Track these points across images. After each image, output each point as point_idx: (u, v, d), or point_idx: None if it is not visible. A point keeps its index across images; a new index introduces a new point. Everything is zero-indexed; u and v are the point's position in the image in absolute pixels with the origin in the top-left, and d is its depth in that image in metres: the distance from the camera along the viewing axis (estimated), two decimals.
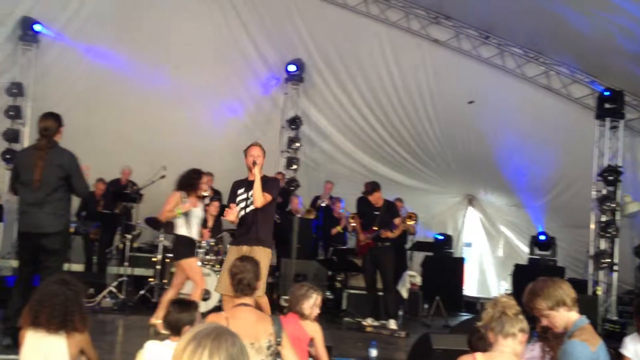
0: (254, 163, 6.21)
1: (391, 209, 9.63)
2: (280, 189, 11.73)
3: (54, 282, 3.99)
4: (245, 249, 6.13)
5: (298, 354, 4.49)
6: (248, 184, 6.30)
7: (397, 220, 9.41)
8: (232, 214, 6.20)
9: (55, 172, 5.88)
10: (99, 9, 11.85)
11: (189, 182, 7.45)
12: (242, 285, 4.00)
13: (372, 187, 9.64)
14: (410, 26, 12.78)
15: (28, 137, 11.38)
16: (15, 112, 11.45)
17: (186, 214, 7.29)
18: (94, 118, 11.68)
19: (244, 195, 6.34)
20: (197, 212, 7.50)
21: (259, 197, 6.15)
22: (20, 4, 11.45)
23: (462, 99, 12.45)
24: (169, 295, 7.18)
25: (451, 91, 12.73)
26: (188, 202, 7.28)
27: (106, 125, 11.83)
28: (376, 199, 9.53)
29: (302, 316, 4.69)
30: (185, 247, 7.36)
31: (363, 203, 10.59)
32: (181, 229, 7.33)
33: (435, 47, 12.75)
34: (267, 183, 6.30)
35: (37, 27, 11.52)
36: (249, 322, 3.85)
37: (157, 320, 6.83)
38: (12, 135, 11.43)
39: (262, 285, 5.90)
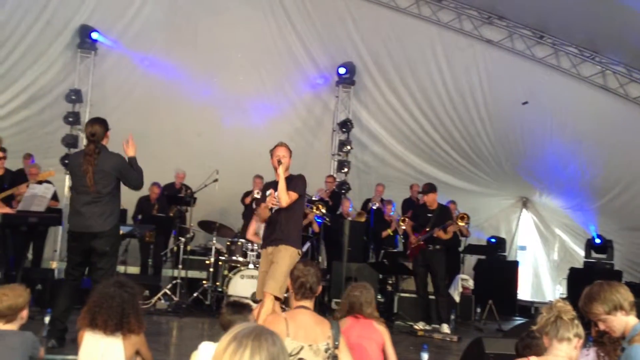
0: (279, 162, 6.14)
1: (444, 212, 9.54)
2: (331, 192, 11.83)
3: (111, 285, 4.06)
4: (270, 250, 6.11)
5: (371, 355, 4.49)
6: (276, 185, 6.22)
7: (449, 223, 9.32)
8: (266, 208, 6.22)
9: (105, 176, 6.05)
10: (154, 17, 12.10)
11: None
12: (303, 289, 4.00)
13: (429, 188, 9.60)
14: (462, 27, 12.67)
15: (86, 142, 11.66)
16: (74, 118, 11.69)
17: None
18: (149, 123, 11.92)
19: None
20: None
21: (283, 197, 6.05)
22: (78, 12, 11.73)
23: (516, 99, 12.29)
24: None
25: (504, 92, 12.57)
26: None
27: (161, 130, 12.05)
28: (431, 200, 9.46)
29: (366, 315, 4.66)
30: None
31: (415, 205, 10.54)
32: None
33: (488, 48, 12.62)
34: (292, 181, 6.21)
35: (94, 36, 11.79)
36: (308, 325, 3.86)
37: None
38: (71, 141, 11.71)
39: (282, 286, 5.87)
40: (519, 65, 12.50)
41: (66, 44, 11.90)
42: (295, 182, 6.22)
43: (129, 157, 6.27)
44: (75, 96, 11.77)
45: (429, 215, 9.38)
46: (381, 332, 4.71)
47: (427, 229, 9.28)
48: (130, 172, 6.22)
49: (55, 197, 8.52)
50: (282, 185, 6.07)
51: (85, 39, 11.78)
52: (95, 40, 11.88)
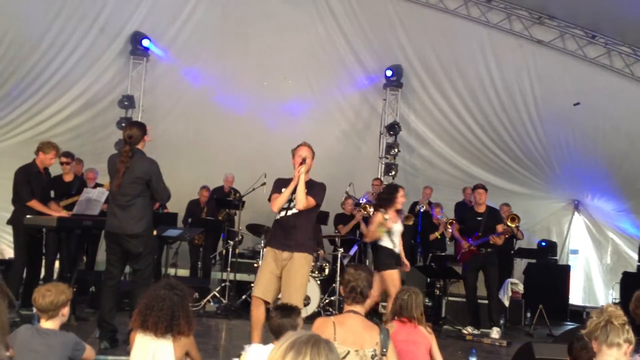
0: (303, 161, 5.85)
1: (494, 215, 9.43)
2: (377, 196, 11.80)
3: (161, 287, 4.14)
4: (286, 255, 5.87)
5: (417, 358, 4.49)
6: (289, 184, 5.93)
7: (499, 227, 9.20)
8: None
9: (135, 180, 6.14)
10: (205, 23, 12.26)
11: (387, 197, 7.77)
12: (354, 293, 4.00)
13: (481, 185, 9.56)
14: (512, 27, 12.52)
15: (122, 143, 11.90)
16: (126, 124, 11.88)
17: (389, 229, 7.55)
18: (199, 128, 12.10)
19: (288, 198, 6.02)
20: (398, 226, 7.75)
21: (301, 199, 5.78)
22: (131, 19, 11.97)
23: (568, 100, 12.09)
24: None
25: (556, 93, 12.40)
26: (389, 220, 7.53)
27: (211, 134, 12.21)
28: (484, 198, 9.37)
29: (413, 319, 4.67)
30: (388, 258, 7.59)
31: (465, 209, 10.42)
32: (384, 241, 7.62)
33: (538, 48, 12.46)
34: (314, 187, 5.96)
35: (145, 43, 11.98)
36: (356, 330, 3.85)
37: None
38: None
39: (302, 294, 5.89)
40: (570, 66, 12.31)
41: (119, 50, 12.12)
42: (316, 190, 5.98)
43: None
44: (127, 102, 11.94)
45: (479, 218, 9.28)
46: (428, 336, 4.71)
47: (479, 234, 9.17)
48: (160, 180, 6.27)
49: (108, 201, 8.70)
50: (301, 186, 5.80)
51: (137, 45, 11.99)
52: (147, 48, 12.09)
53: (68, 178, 9.15)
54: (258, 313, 5.86)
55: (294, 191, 5.84)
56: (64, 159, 8.86)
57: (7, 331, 1.60)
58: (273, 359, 1.94)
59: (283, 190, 5.92)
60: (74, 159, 9.18)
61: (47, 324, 4.02)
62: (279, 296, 5.88)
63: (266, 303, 5.83)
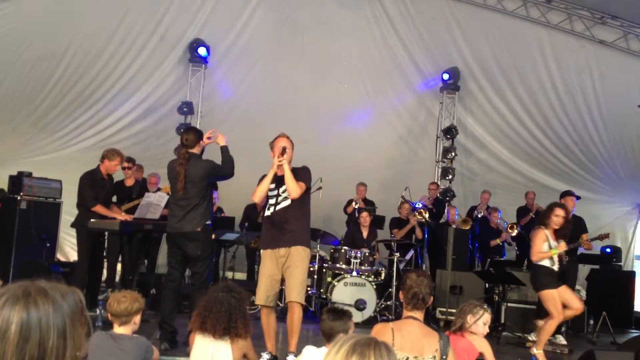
0: (284, 150, 5.75)
1: (578, 223, 9.10)
2: (435, 199, 11.73)
3: (219, 290, 4.21)
4: (283, 252, 5.77)
5: None
6: (277, 180, 5.80)
7: (584, 236, 8.95)
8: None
9: (193, 183, 6.32)
10: (262, 28, 12.40)
11: (545, 215, 7.44)
12: (416, 299, 3.91)
13: (564, 195, 9.32)
14: (573, 28, 12.25)
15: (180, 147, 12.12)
16: None
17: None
18: (255, 133, 12.19)
19: (274, 192, 5.85)
20: (561, 245, 7.39)
21: (294, 188, 5.63)
22: (190, 27, 12.18)
23: (632, 102, 11.75)
24: (549, 322, 7.18)
25: (619, 94, 12.08)
26: (550, 236, 7.24)
27: (267, 139, 12.30)
28: (571, 205, 9.14)
29: (468, 330, 4.63)
30: (545, 277, 7.25)
31: (527, 213, 10.20)
32: (544, 260, 7.28)
33: (600, 49, 12.17)
34: (298, 173, 5.81)
35: (201, 52, 12.12)
36: (415, 336, 3.77)
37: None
38: None
39: (302, 289, 5.82)
40: (634, 66, 11.99)
41: (179, 58, 12.35)
42: (302, 174, 5.85)
43: (220, 146, 6.55)
44: (186, 108, 12.17)
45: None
46: (482, 344, 4.65)
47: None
48: (219, 168, 6.49)
49: (169, 204, 8.89)
50: (288, 175, 5.66)
51: (195, 52, 12.19)
52: (203, 57, 12.24)
53: (129, 183, 9.42)
54: (269, 321, 5.90)
55: (279, 184, 5.76)
56: (126, 164, 9.14)
57: (79, 357, 1.68)
58: None
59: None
60: (135, 164, 9.44)
61: (119, 329, 4.11)
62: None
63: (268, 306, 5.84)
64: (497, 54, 12.63)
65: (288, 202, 5.81)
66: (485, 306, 4.75)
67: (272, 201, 5.80)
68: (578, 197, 9.33)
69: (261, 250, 6.00)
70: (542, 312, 7.86)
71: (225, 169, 6.53)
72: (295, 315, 5.84)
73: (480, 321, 4.62)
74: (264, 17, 12.41)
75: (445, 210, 11.94)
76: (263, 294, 5.82)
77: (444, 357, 3.77)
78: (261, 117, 12.51)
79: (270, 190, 5.86)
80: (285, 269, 5.83)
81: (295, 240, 5.80)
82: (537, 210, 11.60)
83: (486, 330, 4.68)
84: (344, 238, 10.31)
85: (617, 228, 13.48)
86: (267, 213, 5.85)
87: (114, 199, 9.27)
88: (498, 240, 11.08)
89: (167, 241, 6.71)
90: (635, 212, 13.62)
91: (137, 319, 4.16)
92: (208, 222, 6.50)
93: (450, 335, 4.57)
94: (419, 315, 3.94)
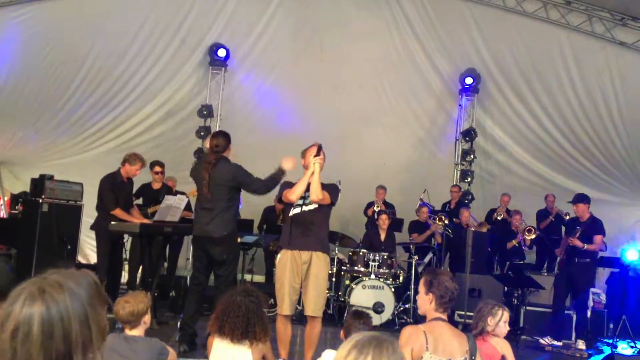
0: (319, 151, 5.84)
1: (594, 225, 9.07)
2: (457, 202, 11.71)
3: (237, 294, 4.25)
4: (305, 256, 5.76)
5: None
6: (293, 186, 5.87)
7: (597, 238, 8.91)
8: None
9: (220, 187, 6.37)
10: (281, 32, 12.40)
11: None
12: (446, 300, 3.85)
13: (579, 198, 9.26)
14: (593, 29, 12.14)
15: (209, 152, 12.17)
16: (205, 133, 12.06)
17: None
18: (274, 136, 12.27)
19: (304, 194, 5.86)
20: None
21: (316, 190, 5.67)
22: (210, 31, 12.24)
23: None
24: None
25: None
26: None
27: (287, 142, 12.37)
28: (582, 211, 9.08)
29: (490, 333, 4.61)
30: None
31: (547, 216, 10.15)
32: None
33: (621, 50, 12.03)
34: (328, 187, 5.89)
35: (220, 52, 12.17)
36: (446, 338, 3.73)
37: None
38: (202, 154, 12.22)
39: (323, 301, 5.83)
40: None
41: (199, 61, 12.42)
42: (331, 189, 5.91)
43: (280, 167, 6.42)
44: (206, 111, 12.25)
45: (578, 227, 9.01)
46: (503, 346, 4.65)
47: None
48: (249, 178, 6.43)
49: (188, 207, 8.97)
50: (317, 177, 5.72)
51: (215, 56, 12.25)
52: (223, 59, 12.29)
53: (157, 186, 9.55)
54: (287, 330, 5.91)
55: (309, 187, 5.76)
56: (158, 169, 9.32)
57: (105, 337, 1.69)
58: (337, 358, 1.98)
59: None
60: (161, 166, 9.54)
61: (131, 332, 4.11)
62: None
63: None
64: (517, 56, 12.55)
65: (315, 205, 5.83)
66: (502, 304, 4.75)
67: (299, 201, 5.81)
68: (586, 200, 9.18)
69: (281, 250, 5.96)
70: None
71: (259, 184, 6.45)
72: (315, 330, 5.89)
73: (501, 321, 4.62)
74: (284, 21, 12.42)
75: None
76: (288, 305, 5.82)
77: (473, 358, 3.75)
78: (279, 120, 12.56)
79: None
80: (305, 277, 5.83)
81: (317, 244, 5.82)
82: (556, 213, 11.54)
83: (507, 328, 4.67)
84: (362, 240, 10.33)
85: (638, 231, 13.36)
86: (294, 212, 5.84)
87: (140, 200, 9.40)
88: (514, 242, 11.02)
89: (192, 245, 6.80)
90: None
91: (147, 318, 4.15)
92: (233, 227, 6.55)
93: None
94: (446, 316, 3.90)
